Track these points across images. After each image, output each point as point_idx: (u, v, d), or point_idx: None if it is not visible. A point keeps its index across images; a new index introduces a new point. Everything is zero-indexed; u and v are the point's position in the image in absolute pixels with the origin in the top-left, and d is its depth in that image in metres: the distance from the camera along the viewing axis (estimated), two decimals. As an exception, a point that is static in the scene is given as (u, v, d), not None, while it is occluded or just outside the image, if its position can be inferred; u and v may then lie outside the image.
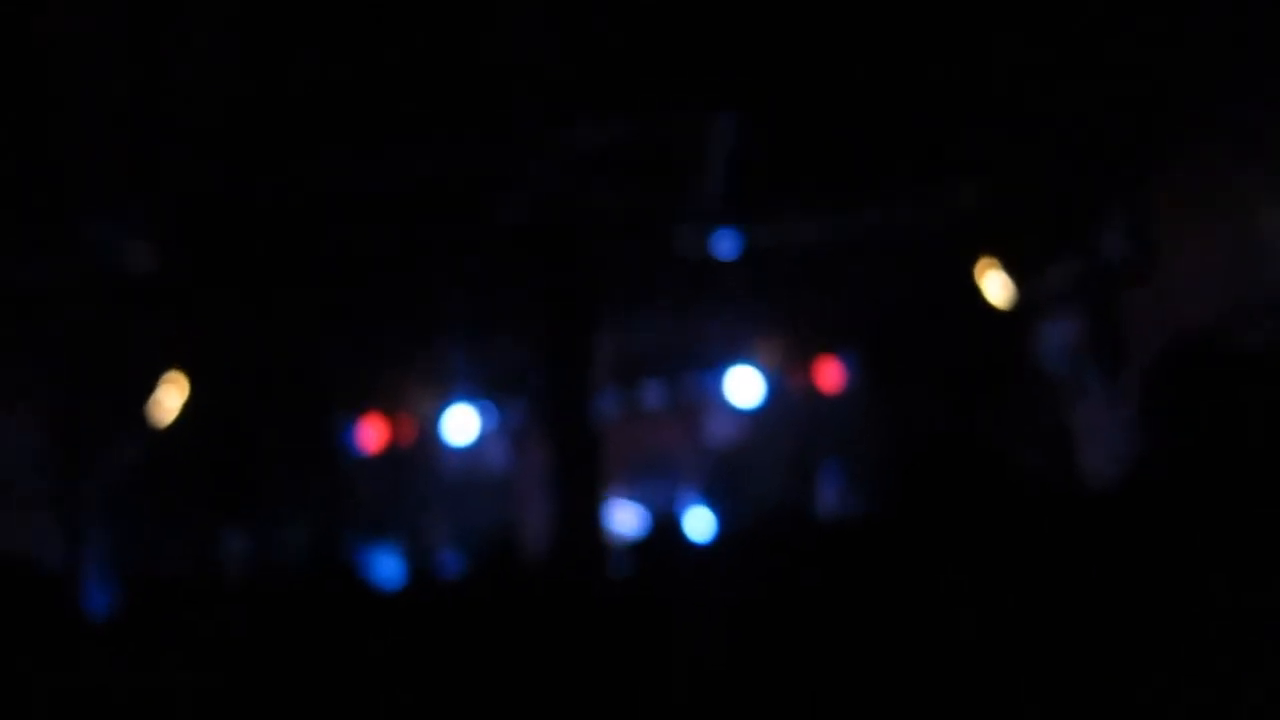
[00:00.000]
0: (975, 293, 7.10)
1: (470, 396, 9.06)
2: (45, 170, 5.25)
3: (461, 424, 9.08)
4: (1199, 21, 4.70)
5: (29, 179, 5.23)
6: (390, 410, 9.25)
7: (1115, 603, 1.46)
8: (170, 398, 7.28)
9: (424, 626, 2.67)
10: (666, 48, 5.19)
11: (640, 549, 3.72)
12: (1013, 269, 7.02)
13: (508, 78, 5.28)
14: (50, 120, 5.03)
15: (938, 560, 1.72)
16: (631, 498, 8.87)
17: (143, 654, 1.28)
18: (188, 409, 7.33)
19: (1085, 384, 6.45)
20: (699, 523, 7.96)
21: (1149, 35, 4.90)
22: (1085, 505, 1.85)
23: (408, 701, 2.03)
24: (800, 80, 5.49)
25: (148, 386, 7.19)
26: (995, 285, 7.06)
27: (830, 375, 9.21)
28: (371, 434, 9.26)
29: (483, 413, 9.16)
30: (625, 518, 7.91)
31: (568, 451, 6.32)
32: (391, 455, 9.32)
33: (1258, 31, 4.43)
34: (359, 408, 9.19)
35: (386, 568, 7.65)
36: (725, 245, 7.26)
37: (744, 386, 9.07)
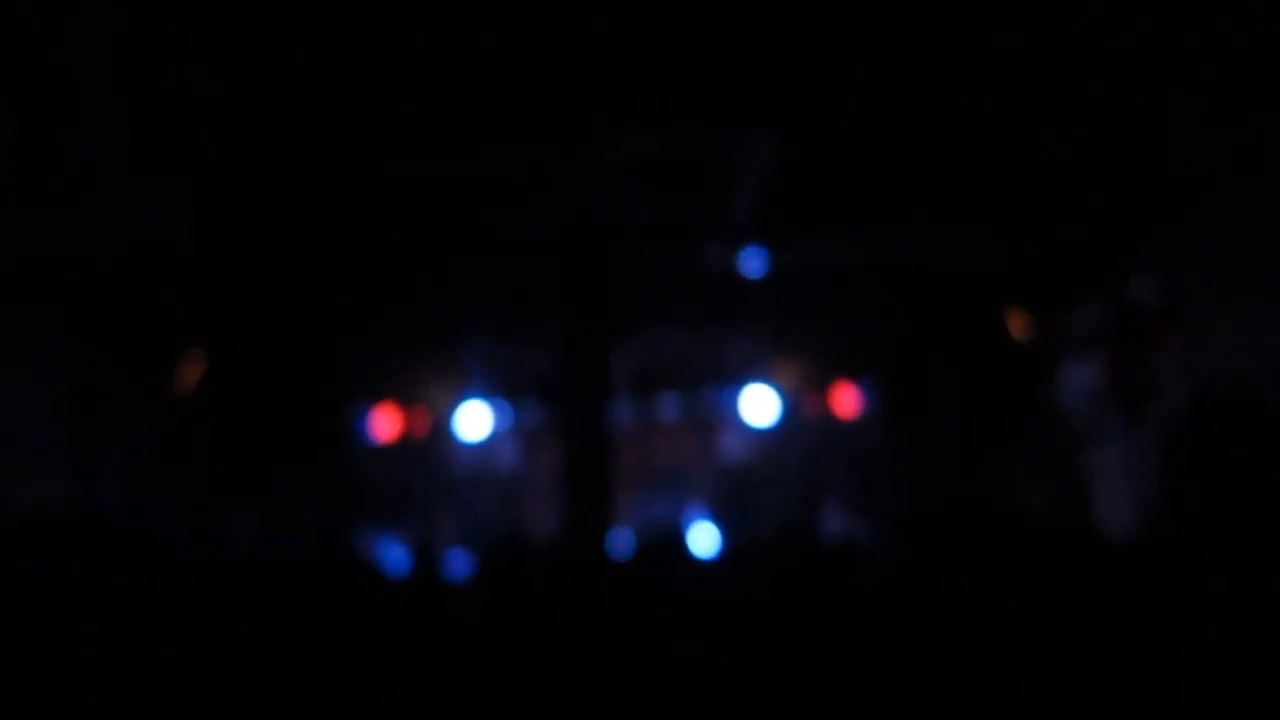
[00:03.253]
0: (999, 330, 7.07)
1: (486, 393, 9.08)
2: (73, 144, 5.29)
3: (475, 420, 9.10)
4: (1236, 71, 4.68)
5: (57, 153, 5.26)
6: (406, 401, 9.28)
7: (1126, 653, 1.45)
8: (189, 376, 7.31)
9: (425, 619, 2.67)
10: (706, 65, 5.20)
11: (643, 560, 3.72)
12: (1039, 309, 6.99)
13: (546, 86, 5.30)
14: (79, 94, 5.06)
15: (943, 599, 1.71)
16: (639, 506, 8.87)
17: (146, 632, 1.28)
18: (205, 388, 7.36)
19: (1104, 430, 6.42)
20: (704, 538, 7.94)
21: (1187, 83, 4.88)
22: (1099, 553, 1.83)
23: (405, 693, 2.04)
24: (837, 105, 5.49)
25: (168, 364, 7.22)
26: (1020, 324, 7.04)
27: (847, 401, 9.19)
28: (385, 423, 9.28)
29: (497, 410, 9.18)
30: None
31: (579, 456, 6.32)
32: (403, 446, 9.34)
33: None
34: (374, 396, 9.22)
35: (392, 557, 7.65)
36: (751, 264, 7.26)
37: (759, 405, 9.06)
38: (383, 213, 6.50)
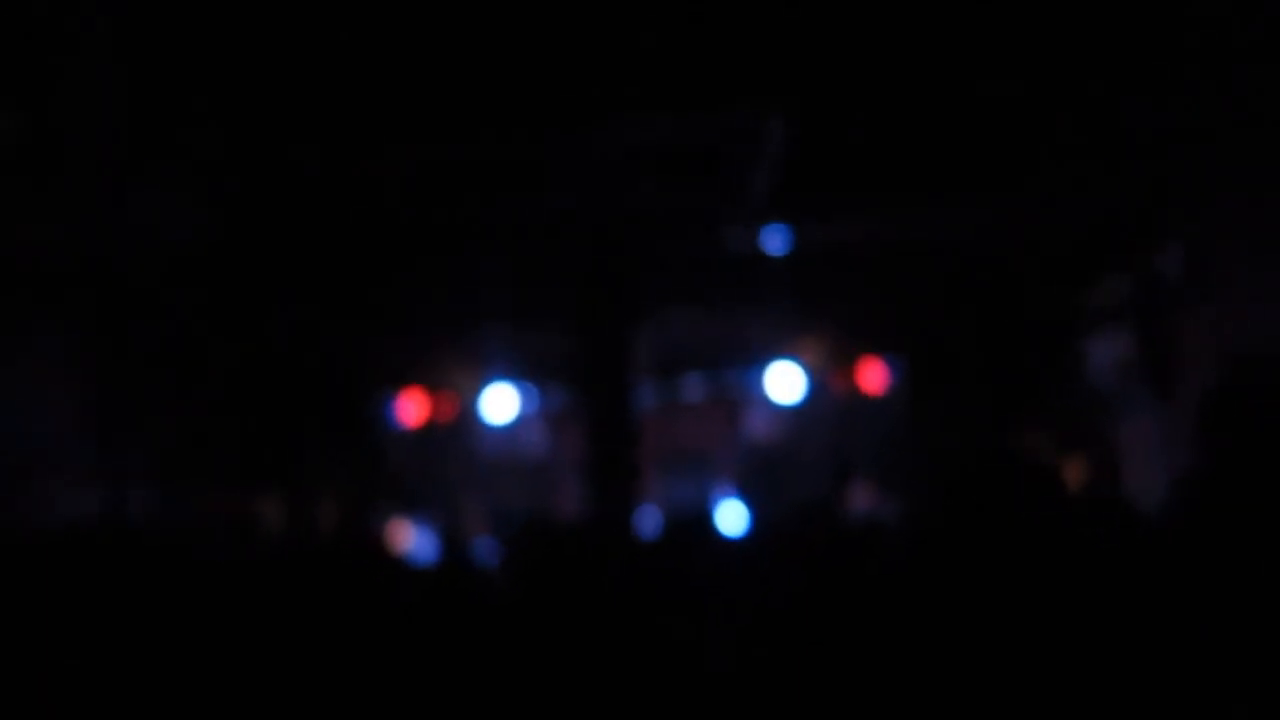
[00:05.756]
0: (1025, 302, 7.02)
1: (512, 377, 9.10)
2: (91, 139, 5.30)
3: (501, 403, 9.12)
4: (1263, 45, 4.61)
5: (74, 148, 5.28)
6: (432, 386, 9.31)
7: (1157, 624, 1.43)
8: (214, 366, 7.36)
9: (455, 604, 2.68)
10: (722, 45, 5.17)
11: (671, 540, 3.72)
12: (1066, 281, 6.94)
13: (563, 70, 5.28)
14: (96, 89, 5.08)
15: (972, 571, 1.70)
16: (666, 487, 8.87)
17: (170, 618, 1.28)
18: (229, 377, 7.40)
19: (1133, 401, 6.37)
20: (732, 517, 7.94)
21: (1219, 53, 4.82)
22: (1128, 523, 1.82)
23: (436, 676, 2.04)
24: (856, 81, 5.45)
25: (193, 360, 7.26)
26: (1045, 297, 6.99)
27: (873, 377, 9.15)
28: (412, 408, 9.32)
29: (523, 394, 9.19)
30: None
31: (604, 438, 6.32)
32: (430, 431, 9.38)
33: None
34: (401, 382, 9.25)
35: (422, 542, 7.70)
36: (773, 242, 7.23)
37: (785, 383, 9.03)
38: (405, 200, 6.51)
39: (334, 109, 5.47)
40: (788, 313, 8.67)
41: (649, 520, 6.82)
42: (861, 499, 8.32)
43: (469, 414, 9.26)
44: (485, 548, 5.23)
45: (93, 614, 1.19)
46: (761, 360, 9.06)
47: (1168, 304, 5.98)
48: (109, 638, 1.20)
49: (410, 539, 7.86)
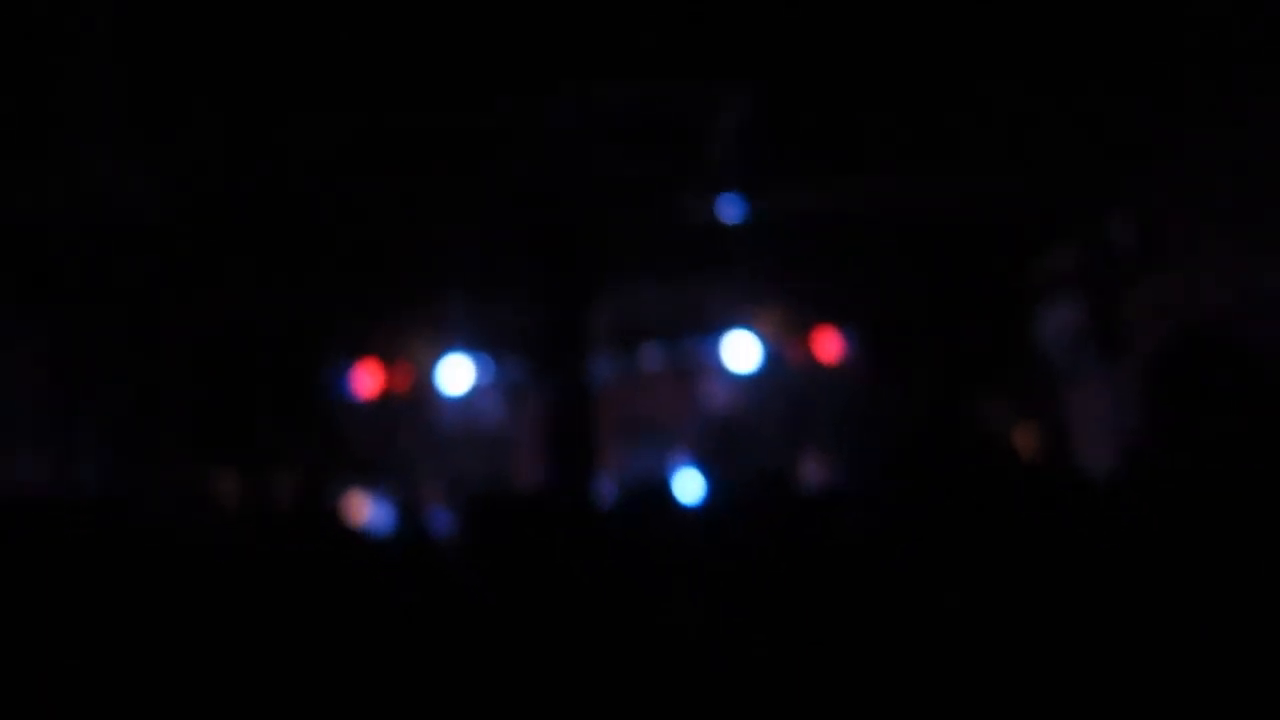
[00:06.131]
0: (978, 272, 7.08)
1: (468, 348, 9.06)
2: (49, 109, 5.21)
3: (457, 374, 9.09)
4: (1217, 13, 4.66)
5: (32, 117, 5.19)
6: (387, 357, 9.26)
7: (1107, 589, 1.46)
8: (168, 336, 7.28)
9: (412, 575, 2.68)
10: (678, 14, 5.14)
11: (628, 509, 3.73)
12: (1017, 250, 7.00)
13: (518, 37, 5.24)
14: (55, 59, 4.98)
15: (924, 538, 1.72)
16: (624, 458, 8.89)
17: (126, 590, 1.28)
18: (183, 348, 7.33)
19: (1084, 369, 6.45)
20: (690, 486, 7.98)
21: (1163, 25, 4.86)
22: (1079, 490, 1.85)
23: (394, 648, 2.04)
24: (811, 51, 5.45)
25: (145, 325, 7.18)
26: (996, 266, 7.05)
27: (829, 346, 9.21)
28: (367, 380, 9.27)
29: (479, 365, 9.17)
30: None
31: (562, 409, 6.32)
32: (386, 402, 9.33)
33: (1267, 25, 4.40)
34: (356, 353, 9.19)
35: (379, 514, 7.68)
36: (729, 211, 7.24)
37: (741, 352, 9.07)
38: (359, 169, 6.45)
39: (289, 76, 5.40)
40: (744, 282, 8.69)
41: (607, 489, 6.84)
42: (814, 470, 8.39)
43: (425, 385, 9.22)
44: (441, 519, 5.23)
45: (43, 584, 1.18)
46: (718, 330, 9.08)
47: (1118, 272, 6.06)
48: (61, 609, 1.19)
49: (367, 511, 7.84)
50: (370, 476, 8.71)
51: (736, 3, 5.09)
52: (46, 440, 6.29)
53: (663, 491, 4.20)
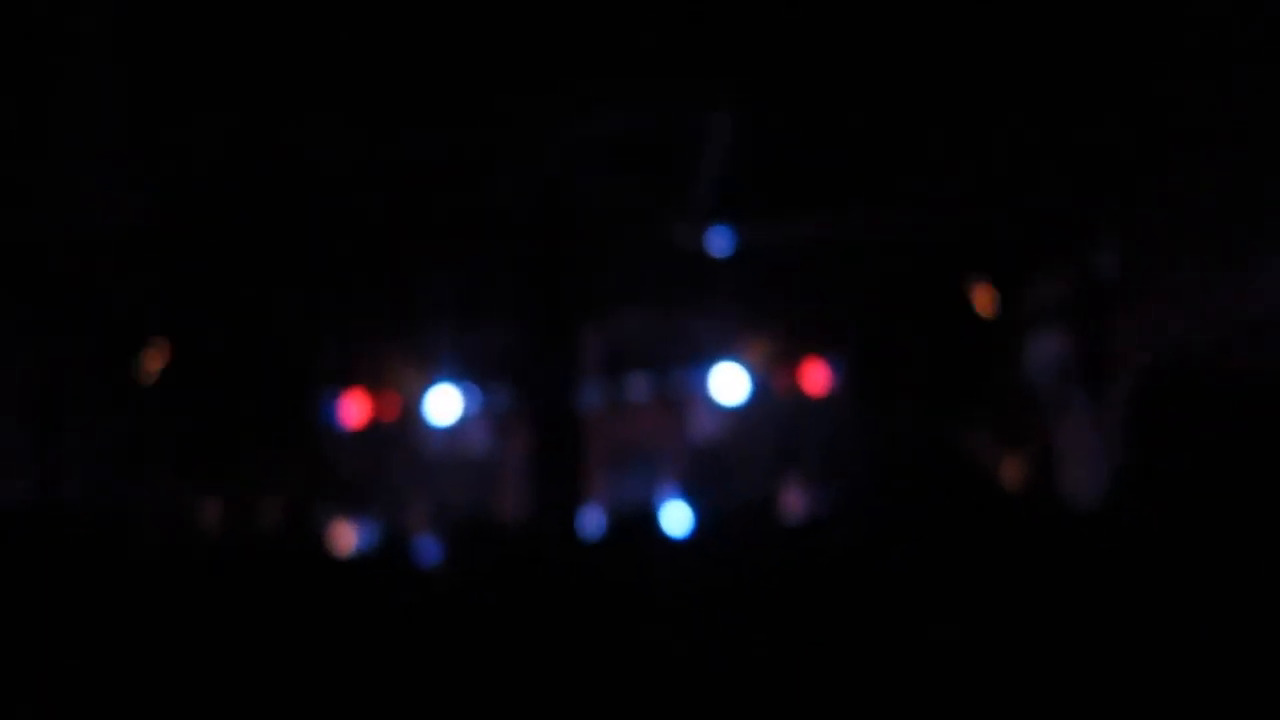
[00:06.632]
0: (964, 303, 7.10)
1: (455, 377, 9.06)
2: (38, 126, 5.22)
3: (444, 404, 9.08)
4: (1198, 48, 4.71)
5: (21, 135, 5.19)
6: (374, 386, 9.24)
7: (1094, 619, 1.46)
8: (152, 362, 7.26)
9: (395, 603, 2.66)
10: (669, 43, 5.18)
11: (614, 540, 3.72)
12: (1002, 282, 7.03)
13: (509, 65, 5.27)
14: (44, 76, 5.00)
15: (910, 567, 1.72)
16: (611, 487, 8.88)
17: (114, 618, 1.27)
18: (169, 374, 7.31)
19: (1069, 400, 6.47)
20: (677, 517, 7.97)
21: (1150, 61, 4.91)
22: (1063, 521, 1.85)
23: (376, 676, 2.03)
24: (800, 81, 5.49)
25: (130, 350, 7.16)
26: (984, 297, 7.07)
27: (816, 378, 9.22)
28: (355, 409, 9.25)
29: (467, 394, 9.16)
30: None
31: (549, 438, 6.31)
32: (374, 431, 9.31)
33: (1252, 59, 4.45)
34: (343, 382, 9.18)
35: (363, 543, 7.64)
36: (718, 242, 7.26)
37: (729, 384, 9.08)
38: (346, 197, 6.46)
39: (277, 102, 5.42)
40: (732, 313, 8.71)
41: (593, 520, 6.82)
42: (796, 499, 8.38)
43: (412, 413, 9.20)
44: (427, 547, 5.20)
45: (24, 601, 1.18)
46: (706, 360, 9.10)
47: (1103, 305, 6.09)
48: (47, 624, 1.19)
49: (352, 538, 7.80)
50: (355, 504, 8.68)
51: (723, 29, 5.14)
52: (30, 465, 6.26)
53: (650, 522, 4.20)
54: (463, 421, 9.24)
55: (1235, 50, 4.50)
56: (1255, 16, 4.36)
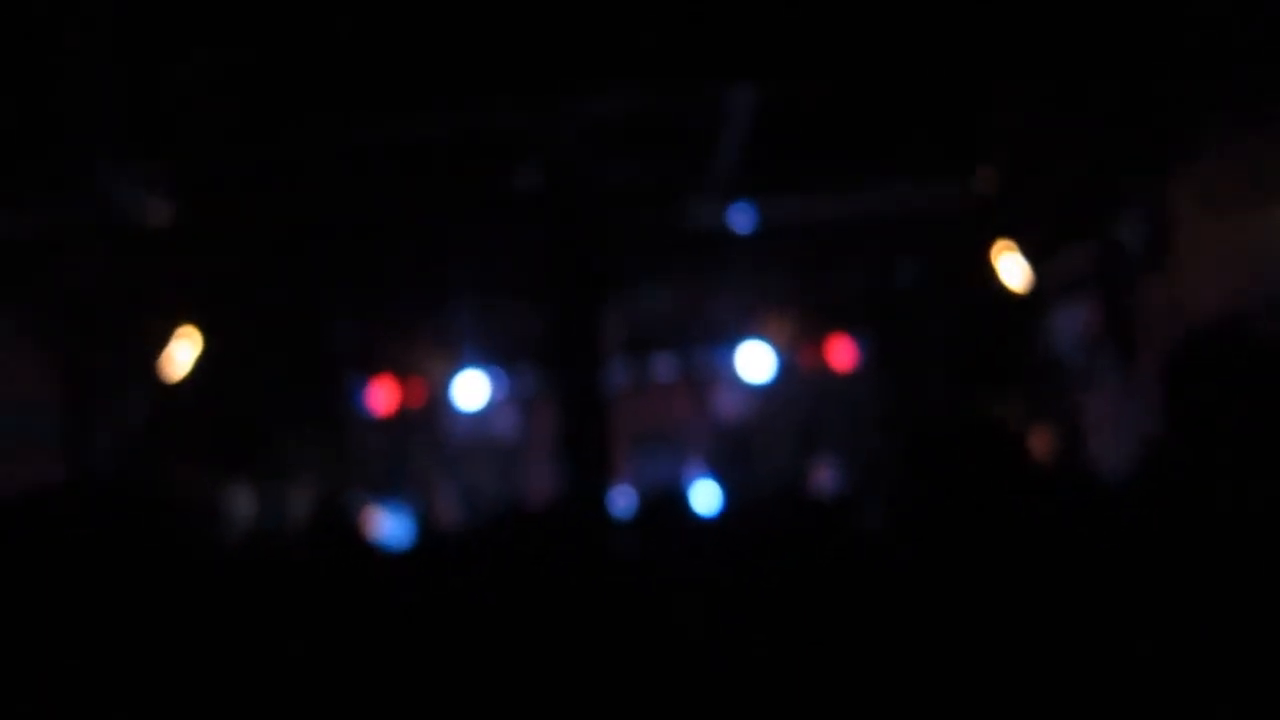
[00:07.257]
0: (990, 276, 7.07)
1: (481, 362, 9.08)
2: (62, 118, 5.25)
3: (472, 389, 9.10)
4: (1225, 14, 4.65)
5: (46, 127, 5.22)
6: (402, 373, 9.28)
7: (1125, 590, 1.46)
8: (182, 352, 7.31)
9: (428, 589, 2.68)
10: (686, 18, 5.15)
11: (644, 521, 3.73)
12: (1028, 253, 6.98)
13: (525, 44, 5.25)
14: (65, 68, 5.02)
15: (940, 543, 1.72)
16: (638, 468, 8.89)
17: (148, 603, 1.28)
18: (199, 364, 7.36)
19: (1098, 371, 6.43)
20: (705, 496, 7.98)
21: (1175, 24, 4.85)
22: (1094, 492, 1.84)
23: (410, 661, 2.05)
24: (820, 56, 5.46)
25: (161, 340, 7.21)
26: (1010, 269, 7.03)
27: (842, 354, 9.19)
28: (382, 396, 9.29)
29: (493, 379, 9.18)
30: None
31: (575, 419, 6.32)
32: (401, 417, 9.35)
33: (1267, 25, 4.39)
34: (370, 369, 9.22)
35: (395, 528, 7.69)
36: (740, 219, 7.23)
37: (754, 362, 9.06)
38: (369, 183, 6.47)
39: (299, 87, 5.42)
40: (755, 290, 8.68)
41: (623, 500, 6.84)
42: (828, 477, 8.37)
43: (440, 399, 9.23)
44: (459, 532, 5.23)
45: (55, 584, 1.19)
46: (731, 339, 9.08)
47: (1130, 273, 6.04)
48: (66, 612, 1.20)
49: (384, 526, 7.85)
50: (387, 492, 8.73)
51: (742, 7, 5.11)
52: (59, 451, 6.32)
53: (679, 502, 4.20)
54: (490, 406, 9.27)
55: (1274, 14, 4.44)
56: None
